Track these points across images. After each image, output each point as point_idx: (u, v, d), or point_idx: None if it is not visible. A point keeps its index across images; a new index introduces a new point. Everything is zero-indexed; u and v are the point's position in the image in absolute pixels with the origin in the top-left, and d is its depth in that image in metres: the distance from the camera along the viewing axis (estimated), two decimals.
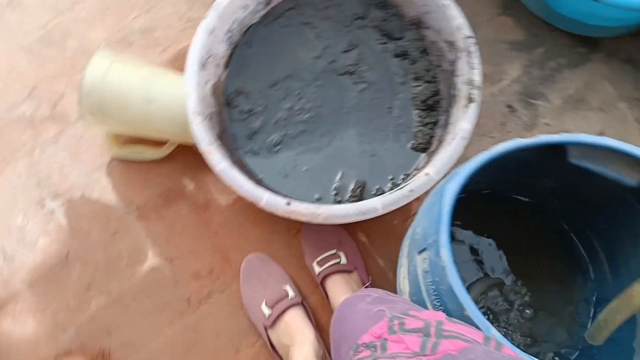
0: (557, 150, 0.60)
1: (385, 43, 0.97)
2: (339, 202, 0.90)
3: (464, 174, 0.53)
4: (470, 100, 0.82)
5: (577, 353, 0.78)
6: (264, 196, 0.79)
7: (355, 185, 0.90)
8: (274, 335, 0.87)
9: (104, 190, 1.02)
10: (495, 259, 0.84)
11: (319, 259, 0.91)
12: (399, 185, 0.90)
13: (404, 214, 0.98)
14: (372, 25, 0.97)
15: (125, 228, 1.00)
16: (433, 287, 0.53)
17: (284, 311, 0.86)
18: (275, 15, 0.98)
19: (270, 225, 0.99)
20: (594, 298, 0.82)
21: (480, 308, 0.78)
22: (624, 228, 0.71)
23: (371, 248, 0.96)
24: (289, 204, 0.78)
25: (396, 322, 0.48)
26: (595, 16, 0.99)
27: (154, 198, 1.01)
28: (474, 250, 0.85)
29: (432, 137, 0.92)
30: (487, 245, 0.85)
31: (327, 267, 0.89)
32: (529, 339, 0.80)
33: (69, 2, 1.16)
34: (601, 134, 1.01)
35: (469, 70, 0.84)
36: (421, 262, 0.58)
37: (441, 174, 0.78)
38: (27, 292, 0.97)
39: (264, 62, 0.97)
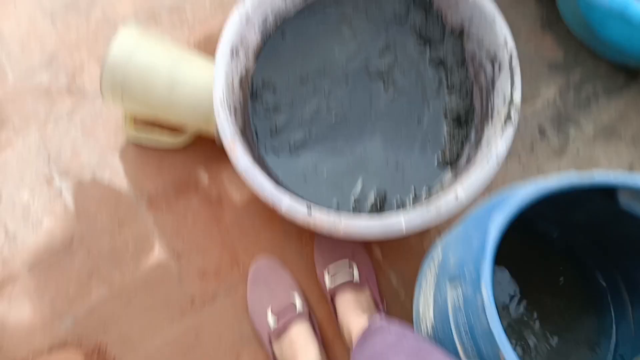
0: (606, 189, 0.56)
1: (422, 49, 0.93)
2: (358, 210, 0.86)
3: (513, 208, 0.50)
4: (508, 120, 0.78)
5: None
6: (285, 202, 0.75)
7: (375, 195, 0.87)
8: (277, 347, 0.84)
9: (115, 173, 0.98)
10: (509, 290, 0.81)
11: (330, 267, 0.88)
12: (420, 198, 0.87)
13: (422, 232, 0.95)
14: (412, 29, 0.93)
15: (133, 216, 0.96)
16: (465, 324, 0.50)
17: (289, 324, 0.83)
18: (313, 9, 0.94)
19: (282, 228, 0.95)
20: (614, 335, 0.79)
21: None
22: None
23: (384, 263, 0.93)
24: (310, 213, 0.75)
25: None
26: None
27: (165, 187, 0.98)
28: None
29: (460, 153, 0.88)
30: (500, 274, 0.81)
31: (339, 282, 0.86)
32: None
33: None
34: (631, 168, 0.98)
35: (510, 89, 0.80)
36: (452, 293, 0.55)
37: (471, 196, 0.75)
38: (27, 274, 0.93)
39: (296, 56, 0.93)
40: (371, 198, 0.87)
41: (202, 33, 1.07)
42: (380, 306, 0.86)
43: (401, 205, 0.86)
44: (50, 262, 0.94)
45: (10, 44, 1.06)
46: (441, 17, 0.92)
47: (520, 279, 0.81)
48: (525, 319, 0.79)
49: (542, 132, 0.99)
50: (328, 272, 0.87)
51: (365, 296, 0.86)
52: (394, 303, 0.90)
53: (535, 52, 1.03)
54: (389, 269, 0.92)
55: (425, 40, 0.93)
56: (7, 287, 0.93)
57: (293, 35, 0.94)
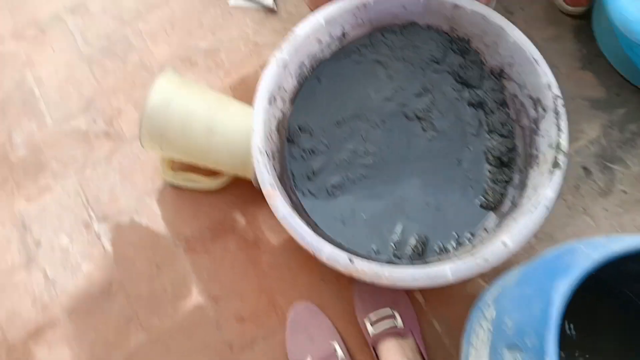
0: None
1: (460, 90, 0.92)
2: (398, 257, 0.85)
3: (578, 276, 0.47)
4: (555, 165, 0.76)
5: None
6: (325, 250, 0.74)
7: (416, 240, 0.85)
8: None
9: (153, 217, 0.99)
10: (573, 349, 0.76)
11: (372, 316, 0.85)
12: (463, 244, 0.85)
13: None
14: (449, 71, 0.92)
15: (171, 260, 0.96)
16: None
17: None
18: (348, 51, 0.94)
19: (320, 271, 0.94)
20: None
21: None
22: None
23: (427, 309, 0.90)
24: (352, 261, 0.73)
25: None
26: None
27: (202, 230, 0.97)
28: None
29: (504, 196, 0.86)
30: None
31: (381, 329, 0.83)
32: None
33: (135, 13, 1.14)
34: None
35: (556, 133, 0.78)
36: None
37: (520, 245, 0.73)
38: (67, 320, 0.93)
39: (332, 98, 0.93)
40: (411, 243, 0.85)
41: (237, 76, 1.07)
42: (425, 354, 0.84)
43: (443, 251, 0.84)
44: (90, 307, 0.94)
45: (48, 89, 1.08)
46: (479, 59, 0.91)
47: (582, 334, 0.77)
48: None
49: (587, 171, 0.96)
50: (370, 320, 0.85)
51: (408, 344, 0.84)
52: (438, 350, 0.87)
53: (576, 89, 1.01)
54: (432, 314, 0.90)
55: (463, 81, 0.92)
56: (47, 332, 0.93)
57: (328, 78, 0.93)
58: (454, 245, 0.85)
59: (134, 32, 1.13)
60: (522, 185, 0.83)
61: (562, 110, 0.79)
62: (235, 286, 0.94)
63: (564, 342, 0.73)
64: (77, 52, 1.11)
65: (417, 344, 0.85)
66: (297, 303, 0.91)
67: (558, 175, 0.75)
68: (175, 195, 1.00)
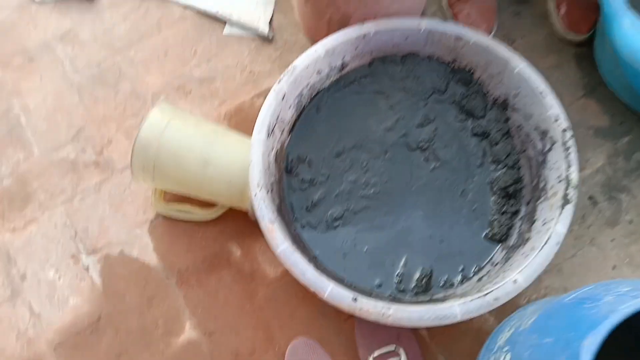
0: None
1: (464, 120, 0.90)
2: (403, 291, 0.82)
3: (607, 330, 0.45)
4: (566, 200, 0.74)
5: None
6: (327, 288, 0.72)
7: (421, 274, 0.82)
8: None
9: (144, 249, 0.95)
10: None
11: (375, 355, 0.82)
12: (469, 278, 0.82)
13: None
14: (451, 101, 0.90)
15: (163, 293, 0.92)
16: None
17: None
18: (348, 81, 0.92)
19: (319, 305, 0.90)
20: None
21: None
22: None
23: (431, 343, 0.87)
24: (355, 300, 0.71)
25: None
26: None
27: (196, 263, 0.94)
28: None
29: (510, 228, 0.84)
30: None
31: None
32: None
33: (127, 41, 1.11)
34: None
35: (566, 167, 0.76)
36: None
37: (530, 281, 0.71)
38: (52, 355, 0.89)
39: (331, 129, 0.90)
40: (416, 277, 0.82)
41: (233, 105, 1.05)
42: None
43: (449, 286, 0.81)
44: (77, 342, 0.90)
45: (36, 118, 1.05)
46: (482, 89, 0.89)
47: None
48: None
49: (592, 201, 0.94)
50: (373, 358, 0.82)
51: None
52: None
53: (579, 117, 0.99)
54: (437, 349, 0.87)
55: (466, 111, 0.90)
56: None
57: (327, 108, 0.91)
58: (460, 279, 0.82)
59: (125, 60, 1.10)
60: (531, 218, 0.80)
61: (571, 144, 0.77)
62: (230, 321, 0.91)
63: None
64: (66, 80, 1.08)
65: None
66: (296, 338, 0.87)
67: (569, 210, 0.74)
68: (168, 227, 0.96)
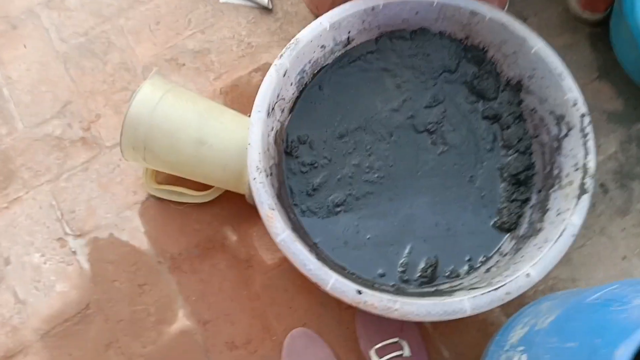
0: None
1: (474, 102, 0.85)
2: (406, 281, 0.78)
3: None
4: (582, 190, 0.70)
5: None
6: (330, 280, 0.68)
7: (426, 264, 0.79)
8: None
9: (135, 232, 0.90)
10: None
11: (377, 347, 0.79)
12: (476, 268, 0.79)
13: None
14: (462, 81, 0.86)
15: (155, 280, 0.88)
16: None
17: None
18: (353, 57, 0.86)
19: (319, 294, 0.87)
20: None
21: None
22: None
23: (435, 335, 0.84)
24: (360, 292, 0.67)
25: None
26: None
27: (189, 247, 0.90)
28: None
29: (520, 217, 0.80)
30: None
31: (387, 358, 0.77)
32: None
33: (116, 8, 1.04)
34: None
35: (583, 155, 0.72)
36: None
37: (543, 275, 0.67)
38: (39, 344, 0.85)
39: (334, 108, 0.86)
40: (420, 267, 0.79)
41: (229, 79, 0.99)
42: None
43: (455, 277, 0.78)
44: (64, 330, 0.86)
45: (19, 90, 0.99)
46: (496, 69, 0.84)
47: None
48: None
49: (604, 188, 0.91)
50: (376, 351, 0.79)
51: None
52: None
53: (592, 101, 0.95)
54: (440, 341, 0.84)
55: (477, 92, 0.85)
56: (17, 357, 0.85)
57: (331, 86, 0.86)
58: (467, 269, 0.79)
59: (114, 29, 1.03)
60: (543, 207, 0.77)
61: (589, 130, 0.73)
62: (225, 309, 0.88)
63: None
64: (51, 50, 1.01)
65: None
66: (294, 329, 0.85)
67: (585, 201, 0.70)
68: (160, 208, 0.92)
